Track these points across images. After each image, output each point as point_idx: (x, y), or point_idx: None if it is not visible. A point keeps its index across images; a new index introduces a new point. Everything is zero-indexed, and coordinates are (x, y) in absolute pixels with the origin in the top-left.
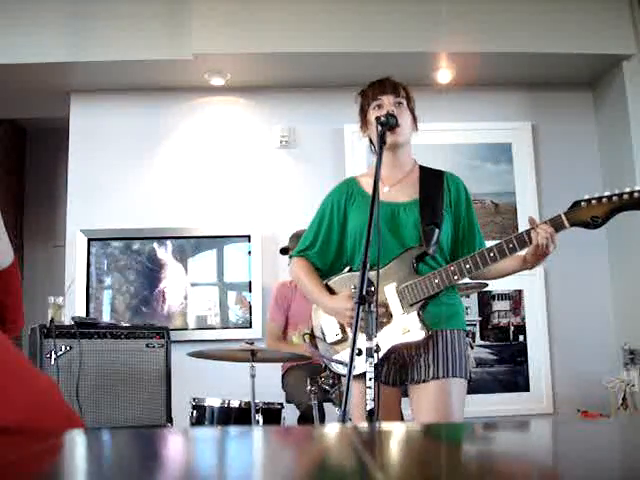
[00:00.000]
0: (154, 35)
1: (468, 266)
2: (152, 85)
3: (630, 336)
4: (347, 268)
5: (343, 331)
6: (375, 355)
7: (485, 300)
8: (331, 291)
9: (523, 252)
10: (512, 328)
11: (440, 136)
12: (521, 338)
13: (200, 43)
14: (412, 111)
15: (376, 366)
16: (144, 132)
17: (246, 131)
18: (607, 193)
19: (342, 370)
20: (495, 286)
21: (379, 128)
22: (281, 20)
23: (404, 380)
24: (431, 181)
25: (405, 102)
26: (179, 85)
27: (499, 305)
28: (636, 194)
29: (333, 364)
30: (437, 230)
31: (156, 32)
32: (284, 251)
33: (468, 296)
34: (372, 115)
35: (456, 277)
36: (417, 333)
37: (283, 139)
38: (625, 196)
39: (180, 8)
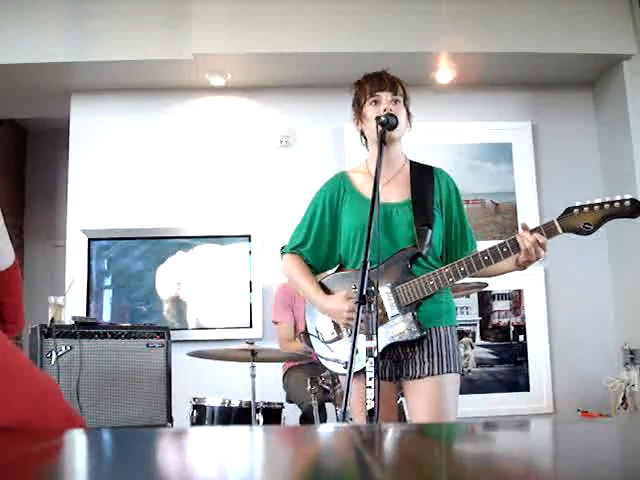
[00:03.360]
0: (154, 35)
1: (462, 269)
2: (152, 85)
3: (630, 336)
4: (338, 265)
5: (338, 330)
6: (375, 353)
7: (485, 300)
8: (325, 289)
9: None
10: (512, 328)
11: (440, 136)
12: (521, 338)
13: (200, 43)
14: (407, 108)
15: (376, 363)
16: (144, 132)
17: (246, 131)
18: (598, 200)
19: (337, 369)
20: (495, 286)
21: (379, 128)
22: (281, 20)
23: (399, 375)
24: (422, 178)
25: (402, 99)
26: (179, 85)
27: (499, 305)
28: (627, 202)
29: (329, 363)
30: (430, 231)
31: (156, 32)
32: None
33: (468, 296)
34: (368, 110)
35: (451, 279)
36: (412, 333)
37: (283, 139)
38: (616, 204)
39: (180, 8)
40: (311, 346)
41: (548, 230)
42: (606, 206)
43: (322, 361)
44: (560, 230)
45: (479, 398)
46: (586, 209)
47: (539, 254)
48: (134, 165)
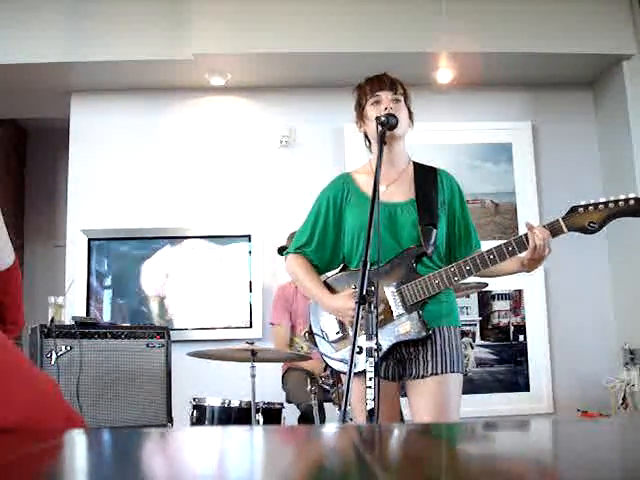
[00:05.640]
0: (154, 35)
1: (468, 268)
2: (152, 85)
3: (630, 336)
4: (342, 265)
5: (343, 329)
6: (375, 354)
7: (485, 300)
8: (329, 289)
9: (521, 255)
10: (512, 328)
11: (440, 136)
12: (521, 338)
13: (200, 43)
14: (408, 108)
15: (376, 364)
16: (144, 132)
17: (246, 131)
18: (603, 199)
19: (342, 368)
20: (495, 286)
21: (379, 128)
22: (281, 20)
23: (402, 375)
24: (425, 179)
25: (402, 99)
26: (179, 85)
27: (499, 305)
28: (631, 201)
29: (333, 362)
30: (435, 230)
31: (156, 32)
32: (282, 250)
33: (468, 296)
34: (370, 111)
35: (456, 278)
36: (417, 332)
37: (283, 139)
38: (621, 203)
39: (180, 8)
40: (316, 345)
41: (553, 229)
42: (611, 205)
43: (327, 360)
44: (565, 229)
45: (479, 398)
46: (591, 208)
47: (545, 251)
48: (134, 165)
